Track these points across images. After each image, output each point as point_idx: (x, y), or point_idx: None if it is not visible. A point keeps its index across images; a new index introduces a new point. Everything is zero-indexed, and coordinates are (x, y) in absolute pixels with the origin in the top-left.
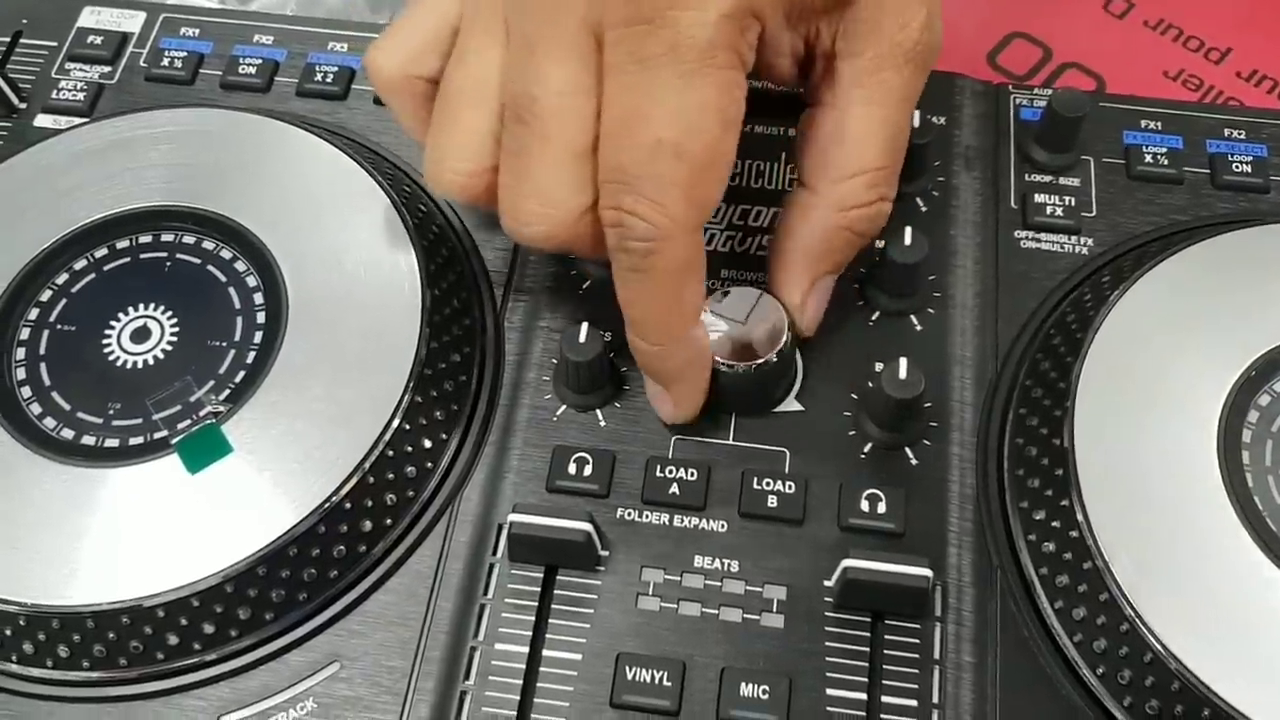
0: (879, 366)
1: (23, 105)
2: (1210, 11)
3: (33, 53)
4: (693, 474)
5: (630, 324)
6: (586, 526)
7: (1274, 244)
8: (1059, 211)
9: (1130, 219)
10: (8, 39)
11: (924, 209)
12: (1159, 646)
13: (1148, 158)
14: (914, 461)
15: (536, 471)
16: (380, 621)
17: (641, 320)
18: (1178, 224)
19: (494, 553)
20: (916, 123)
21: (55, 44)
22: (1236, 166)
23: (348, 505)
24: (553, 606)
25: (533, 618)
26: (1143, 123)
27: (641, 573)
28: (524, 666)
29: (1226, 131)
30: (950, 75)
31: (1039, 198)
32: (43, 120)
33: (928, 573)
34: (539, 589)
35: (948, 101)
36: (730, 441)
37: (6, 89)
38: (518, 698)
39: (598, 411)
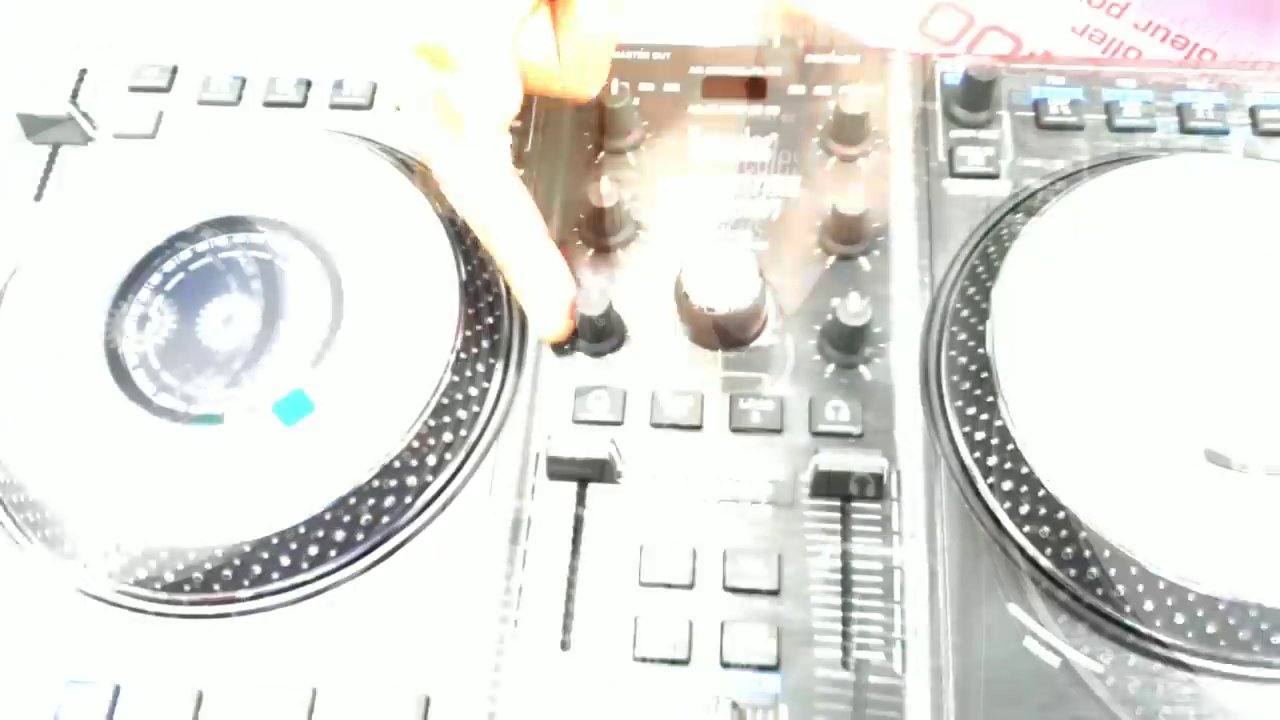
0: (835, 302)
1: (95, 132)
2: None
3: (100, 84)
4: (690, 400)
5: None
6: (610, 448)
7: (1154, 175)
8: (980, 161)
9: (1040, 163)
10: (75, 77)
11: (864, 167)
12: (1068, 507)
13: (1053, 110)
14: (868, 377)
15: (563, 410)
16: (453, 535)
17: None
18: (1080, 164)
19: (535, 474)
20: (856, 96)
21: (119, 77)
22: (1127, 112)
23: (415, 445)
24: (585, 513)
25: (571, 521)
26: (1049, 80)
27: (653, 482)
28: (568, 558)
29: (1119, 82)
30: (884, 49)
31: (962, 150)
32: (114, 146)
33: (884, 462)
34: (574, 500)
35: (882, 72)
36: (720, 372)
37: (80, 118)
38: (566, 576)
39: (609, 356)
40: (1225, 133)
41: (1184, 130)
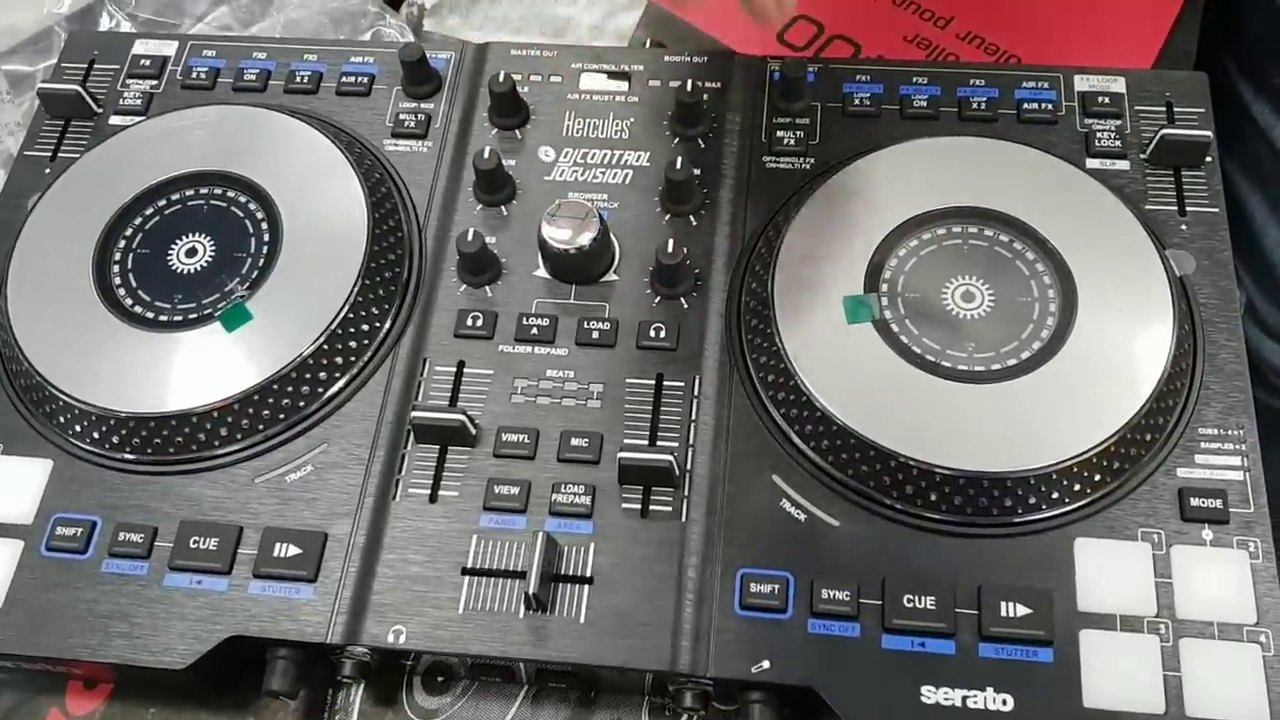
0: (658, 246)
1: (99, 110)
2: None
3: (102, 73)
4: (545, 320)
5: None
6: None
7: (918, 153)
8: (792, 142)
9: (841, 145)
10: (85, 65)
11: (703, 146)
12: (823, 405)
13: (857, 101)
14: (685, 306)
15: (447, 326)
16: (350, 418)
17: None
18: (873, 146)
19: (422, 372)
20: (692, 89)
21: (118, 67)
22: (916, 103)
23: (325, 348)
24: (461, 393)
25: (449, 393)
26: (857, 77)
27: (513, 382)
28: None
29: (913, 79)
30: (730, 52)
31: (780, 133)
32: (114, 120)
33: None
34: (450, 387)
35: (726, 71)
36: (571, 300)
37: (87, 98)
38: (437, 449)
39: (486, 288)
40: (994, 120)
41: (961, 119)
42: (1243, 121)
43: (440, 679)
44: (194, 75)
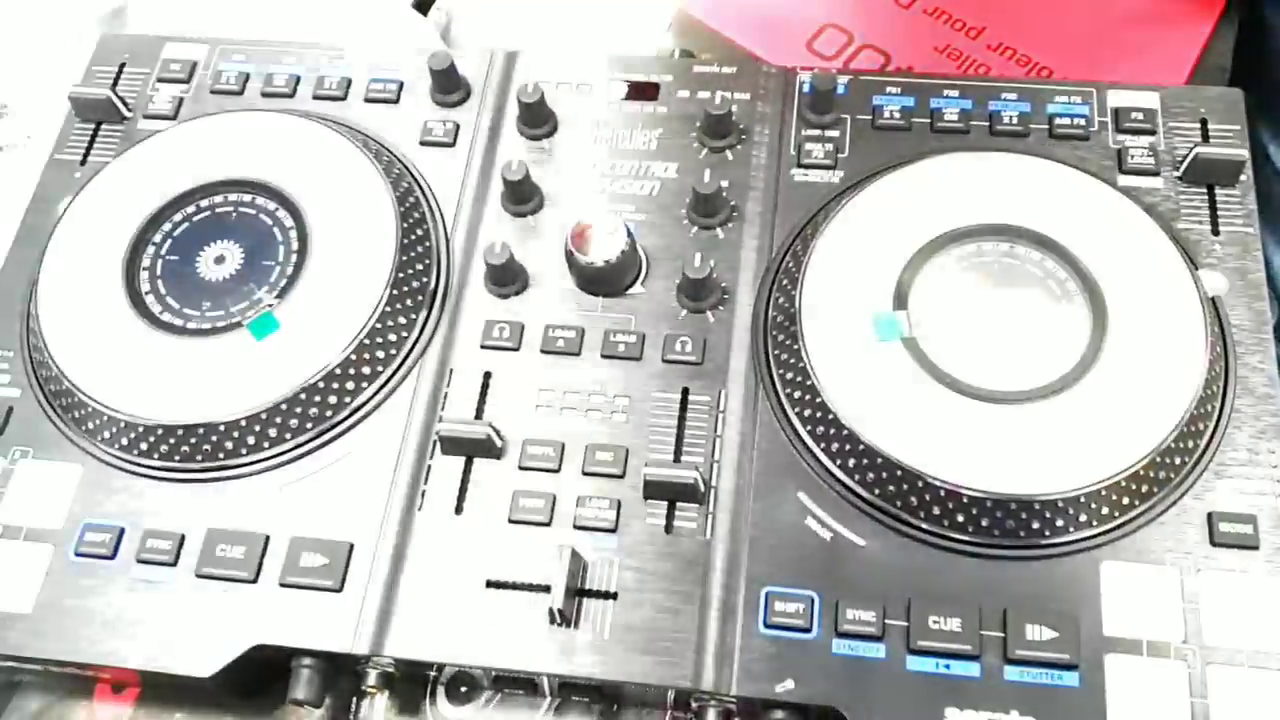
0: (685, 261)
1: (129, 114)
2: (972, 1)
3: (133, 77)
4: (572, 332)
5: None
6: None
7: (948, 169)
8: (821, 154)
9: (871, 158)
10: (116, 68)
11: (731, 158)
12: (849, 423)
13: (887, 114)
14: (712, 320)
15: (473, 337)
16: (376, 429)
17: None
18: (903, 159)
19: (449, 383)
20: (721, 101)
21: (148, 70)
22: (947, 116)
23: (353, 358)
24: (486, 405)
25: (475, 405)
26: (888, 89)
27: (539, 394)
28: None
29: (945, 92)
30: (758, 62)
31: (809, 146)
32: (144, 124)
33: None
34: (476, 399)
35: (754, 81)
36: (597, 312)
37: (118, 102)
38: (463, 461)
39: (513, 299)
40: (1026, 135)
41: (993, 133)
42: (1263, 164)
43: (464, 689)
44: (223, 80)
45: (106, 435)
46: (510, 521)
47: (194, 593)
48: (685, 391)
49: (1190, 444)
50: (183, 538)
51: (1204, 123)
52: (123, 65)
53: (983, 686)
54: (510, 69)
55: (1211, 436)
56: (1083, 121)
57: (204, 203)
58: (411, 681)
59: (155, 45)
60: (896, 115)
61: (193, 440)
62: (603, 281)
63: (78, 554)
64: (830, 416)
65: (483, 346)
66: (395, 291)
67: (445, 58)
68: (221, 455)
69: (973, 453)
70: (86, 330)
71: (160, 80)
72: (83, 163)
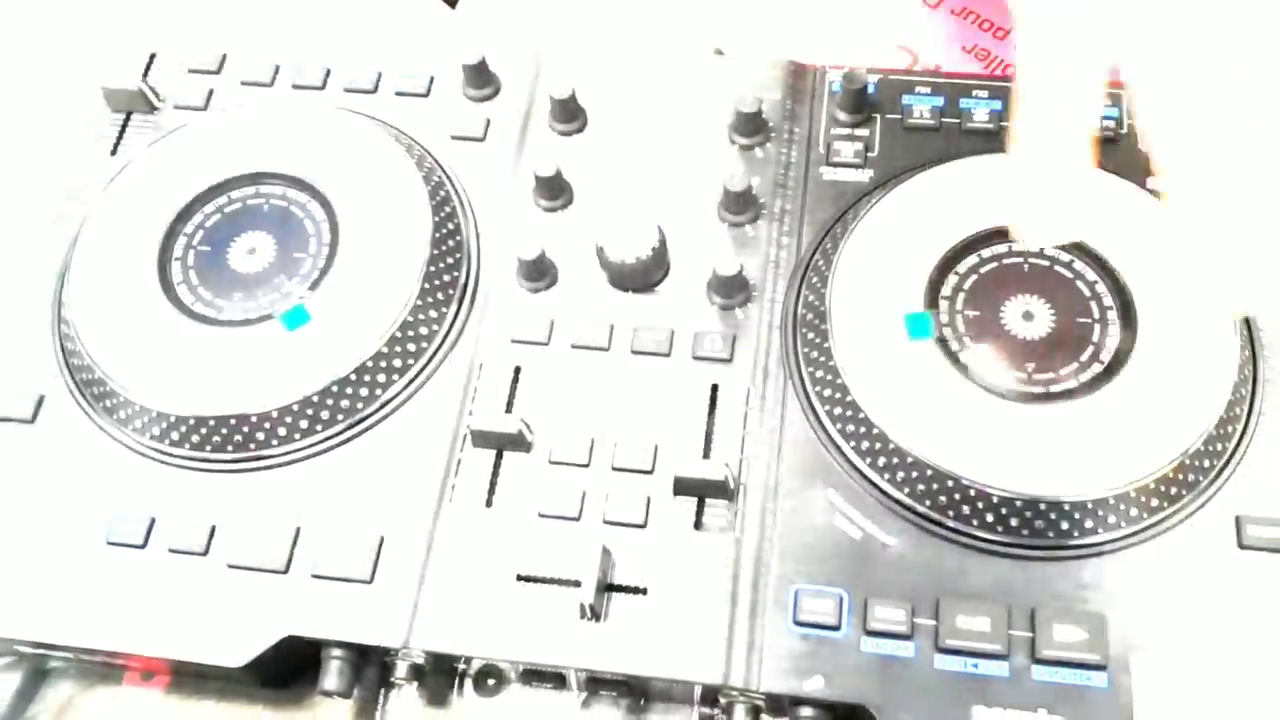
0: (715, 258)
1: (160, 105)
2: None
3: (163, 68)
4: (602, 328)
5: None
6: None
7: (978, 170)
8: (851, 153)
9: (900, 158)
10: (147, 59)
11: (760, 155)
12: (879, 422)
13: (917, 114)
14: (741, 317)
15: (504, 332)
16: (407, 422)
17: None
18: (932, 160)
19: (479, 376)
20: (751, 99)
21: (179, 61)
22: (977, 117)
23: (384, 350)
24: (516, 399)
25: (505, 399)
26: (917, 89)
27: (569, 389)
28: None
29: (974, 92)
30: (790, 61)
31: (837, 144)
32: (174, 115)
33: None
34: (507, 393)
35: (785, 80)
36: (627, 308)
37: (149, 92)
38: (493, 454)
39: (543, 294)
40: None
41: None
42: None
43: (491, 681)
44: (254, 72)
45: (138, 425)
46: (540, 515)
47: (225, 583)
48: (714, 388)
49: (1219, 446)
50: (214, 528)
51: None
52: (153, 56)
53: (1011, 686)
54: (541, 64)
55: (1240, 439)
56: (1112, 124)
57: (235, 194)
58: (439, 673)
59: (186, 36)
60: (926, 115)
61: (224, 431)
62: (633, 278)
63: (109, 543)
64: (860, 415)
65: (513, 341)
66: (427, 285)
67: (477, 52)
68: (253, 446)
69: (1002, 453)
70: (118, 320)
71: (191, 71)
72: (113, 153)
